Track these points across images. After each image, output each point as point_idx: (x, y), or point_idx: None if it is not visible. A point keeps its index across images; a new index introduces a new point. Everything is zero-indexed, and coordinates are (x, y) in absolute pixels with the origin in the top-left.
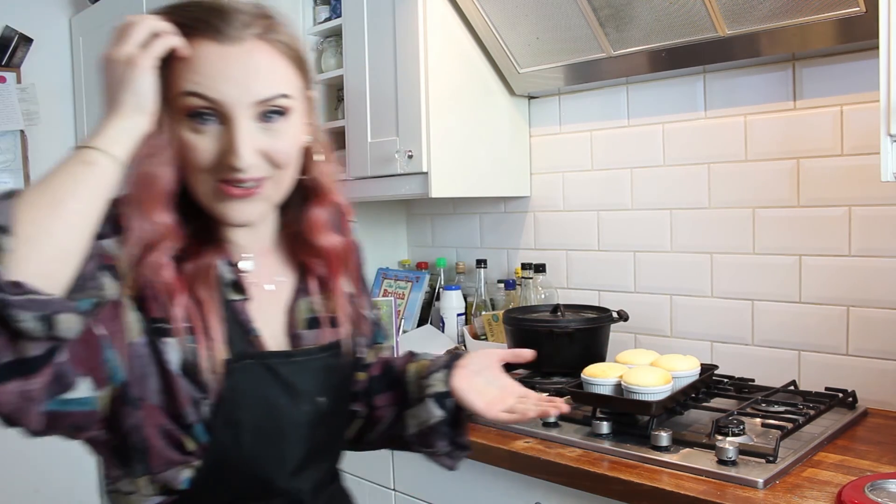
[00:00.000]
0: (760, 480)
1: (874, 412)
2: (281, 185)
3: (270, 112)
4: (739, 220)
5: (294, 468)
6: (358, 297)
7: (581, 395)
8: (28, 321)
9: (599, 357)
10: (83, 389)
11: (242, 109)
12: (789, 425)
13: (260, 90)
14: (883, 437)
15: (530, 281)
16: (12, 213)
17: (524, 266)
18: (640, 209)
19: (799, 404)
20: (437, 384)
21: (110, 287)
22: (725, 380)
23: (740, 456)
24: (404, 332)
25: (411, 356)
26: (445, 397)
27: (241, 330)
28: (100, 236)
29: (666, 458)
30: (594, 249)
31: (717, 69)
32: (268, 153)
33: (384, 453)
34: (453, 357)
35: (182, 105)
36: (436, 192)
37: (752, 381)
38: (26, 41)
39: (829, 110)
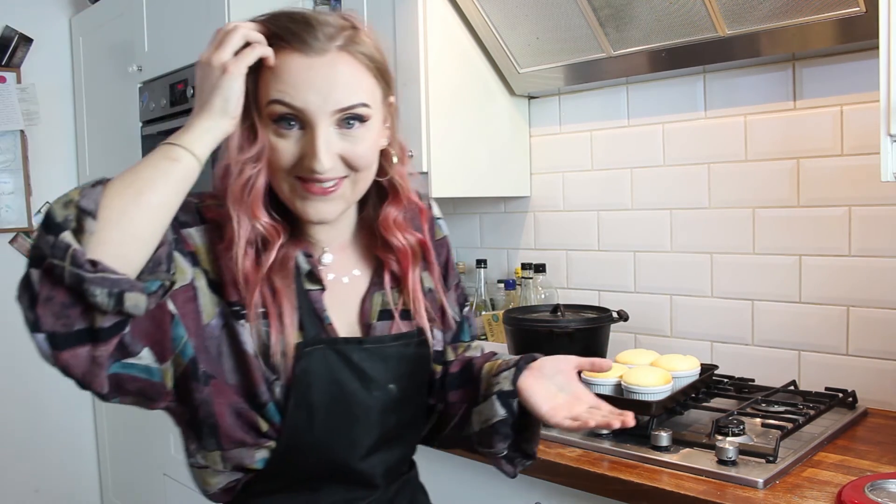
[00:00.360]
0: (760, 480)
1: (874, 412)
2: (357, 187)
3: (349, 119)
4: (739, 220)
5: (365, 452)
6: (440, 292)
7: None
8: (100, 296)
9: (599, 357)
10: (145, 358)
11: (323, 117)
12: (789, 425)
13: (340, 99)
14: (883, 437)
15: (530, 281)
16: (99, 199)
17: (524, 266)
18: (640, 209)
19: (799, 404)
20: (503, 382)
21: (188, 271)
22: (725, 380)
23: (740, 456)
24: None
25: (492, 355)
26: (510, 396)
27: (315, 318)
28: (183, 224)
29: (666, 458)
30: (594, 249)
31: (717, 69)
32: (346, 157)
33: None
34: (528, 358)
35: (269, 111)
36: (436, 192)
37: (752, 381)
38: (26, 41)
39: (829, 110)
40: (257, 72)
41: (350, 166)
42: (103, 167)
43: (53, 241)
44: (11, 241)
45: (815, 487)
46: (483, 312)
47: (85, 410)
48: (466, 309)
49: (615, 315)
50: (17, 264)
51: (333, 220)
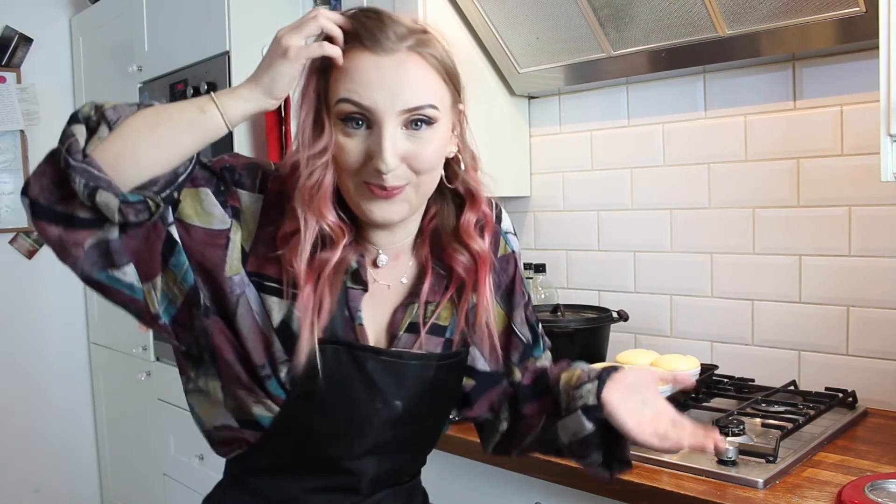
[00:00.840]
0: (760, 480)
1: (874, 412)
2: (421, 190)
3: (417, 120)
4: (739, 220)
5: (357, 454)
6: (512, 309)
7: None
8: (78, 184)
9: (599, 357)
10: (129, 275)
11: (391, 117)
12: (789, 425)
13: (408, 99)
14: (883, 437)
15: (530, 281)
16: (124, 115)
17: (524, 266)
18: (640, 209)
19: (799, 404)
20: (587, 396)
21: (227, 220)
22: (725, 380)
23: (740, 456)
24: None
25: (567, 365)
26: (595, 411)
27: (347, 316)
28: (238, 183)
29: (666, 458)
30: (594, 249)
31: (717, 69)
32: (410, 159)
33: None
34: (608, 370)
35: (337, 110)
36: None
37: (752, 381)
38: (26, 41)
39: (829, 110)
40: (328, 70)
41: (413, 168)
42: None
43: (67, 129)
44: (11, 241)
45: (815, 487)
46: None
47: (85, 410)
48: (539, 326)
49: (615, 315)
50: (17, 264)
51: (398, 222)
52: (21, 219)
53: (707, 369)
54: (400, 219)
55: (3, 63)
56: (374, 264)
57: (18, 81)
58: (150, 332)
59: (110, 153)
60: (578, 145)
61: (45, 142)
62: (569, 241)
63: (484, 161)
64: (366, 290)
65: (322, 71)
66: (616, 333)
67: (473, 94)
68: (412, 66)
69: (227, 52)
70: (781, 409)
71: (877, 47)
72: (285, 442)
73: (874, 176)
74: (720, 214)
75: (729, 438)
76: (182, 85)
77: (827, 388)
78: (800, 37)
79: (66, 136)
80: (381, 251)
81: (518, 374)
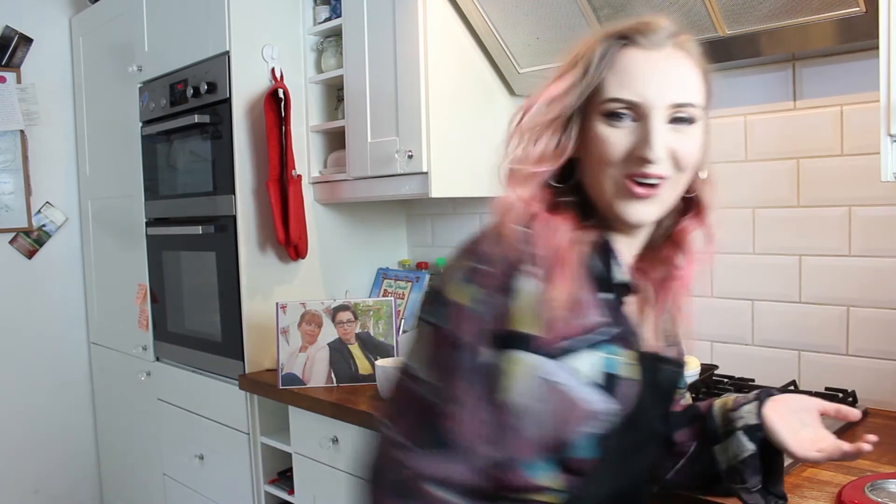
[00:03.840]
0: None
1: (874, 412)
2: (675, 189)
3: (680, 117)
4: (739, 220)
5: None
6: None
7: None
8: None
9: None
10: None
11: (659, 110)
12: None
13: (676, 95)
14: (883, 437)
15: None
16: None
17: None
18: None
19: None
20: (747, 416)
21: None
22: (725, 380)
23: None
24: (404, 332)
25: (715, 398)
26: (756, 430)
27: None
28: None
29: None
30: None
31: (716, 69)
32: (675, 152)
33: None
34: (766, 391)
35: (602, 109)
36: (436, 192)
37: (752, 381)
38: (26, 41)
39: (829, 110)
40: (600, 74)
41: (676, 163)
42: (103, 167)
43: None
44: (11, 241)
45: (815, 487)
46: None
47: (85, 410)
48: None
49: None
50: (17, 264)
51: (649, 222)
52: (21, 218)
53: (707, 369)
54: (653, 219)
55: (3, 63)
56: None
57: (18, 81)
58: (150, 332)
59: None
60: None
61: (45, 142)
62: None
63: (484, 161)
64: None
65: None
66: None
67: (474, 94)
68: (679, 62)
69: (227, 52)
70: None
71: (877, 47)
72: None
73: (874, 176)
74: (720, 214)
75: None
76: (182, 85)
77: (827, 388)
78: (800, 37)
79: None
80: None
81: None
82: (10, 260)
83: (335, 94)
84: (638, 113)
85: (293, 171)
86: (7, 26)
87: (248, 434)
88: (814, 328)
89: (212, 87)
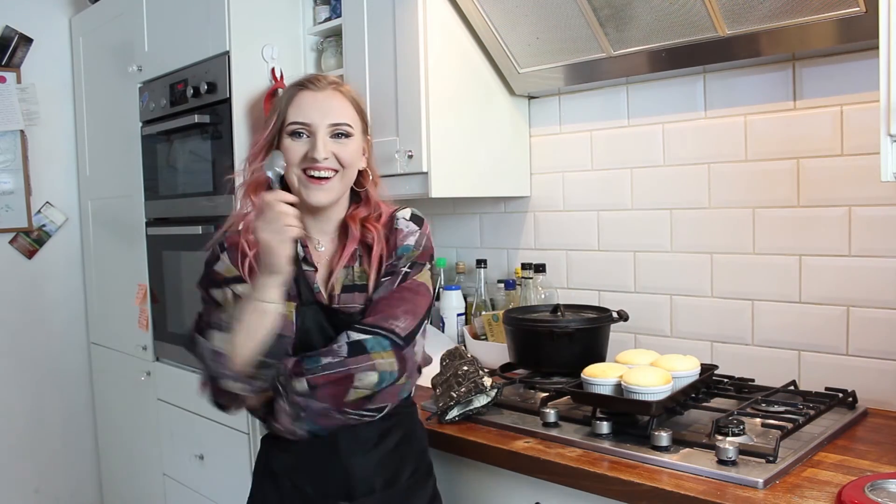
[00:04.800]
0: (760, 480)
1: (874, 412)
2: (343, 181)
3: (339, 133)
4: (739, 220)
5: None
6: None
7: (581, 395)
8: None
9: (599, 357)
10: None
11: (322, 128)
12: (789, 425)
13: (333, 117)
14: (883, 437)
15: (530, 281)
16: (227, 347)
17: (524, 266)
18: (640, 209)
19: (799, 404)
20: None
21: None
22: (725, 380)
23: (740, 456)
24: None
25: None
26: None
27: (309, 289)
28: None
29: (666, 458)
30: (594, 249)
31: (717, 69)
32: (338, 154)
33: None
34: None
35: (288, 130)
36: (436, 192)
37: (752, 381)
38: (26, 41)
39: (829, 110)
40: (284, 108)
41: (340, 162)
42: (103, 167)
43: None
44: (11, 241)
45: (815, 487)
46: (483, 312)
47: (85, 410)
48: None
49: (615, 315)
50: (17, 264)
51: (326, 204)
52: (21, 218)
53: (707, 369)
54: (329, 202)
55: (3, 63)
56: (317, 248)
57: (18, 81)
58: (150, 332)
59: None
60: (578, 145)
61: (45, 142)
62: (569, 241)
63: (484, 161)
64: (316, 269)
65: (277, 113)
66: (616, 333)
67: (474, 94)
68: (335, 97)
69: (227, 52)
70: (781, 409)
71: (877, 47)
72: None
73: (874, 176)
74: (720, 214)
75: (729, 439)
76: (182, 85)
77: (827, 388)
78: (800, 37)
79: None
80: (318, 240)
81: None
82: (10, 260)
83: None
84: (309, 131)
85: None
86: (7, 26)
87: (248, 434)
88: (814, 328)
89: (212, 87)
